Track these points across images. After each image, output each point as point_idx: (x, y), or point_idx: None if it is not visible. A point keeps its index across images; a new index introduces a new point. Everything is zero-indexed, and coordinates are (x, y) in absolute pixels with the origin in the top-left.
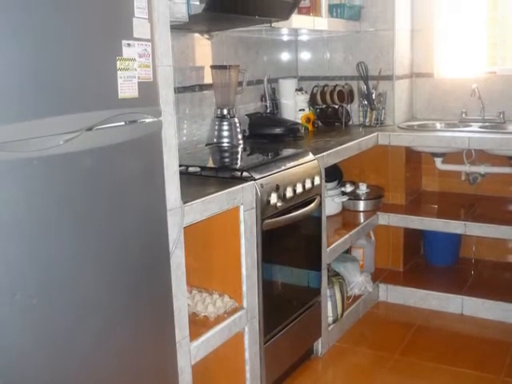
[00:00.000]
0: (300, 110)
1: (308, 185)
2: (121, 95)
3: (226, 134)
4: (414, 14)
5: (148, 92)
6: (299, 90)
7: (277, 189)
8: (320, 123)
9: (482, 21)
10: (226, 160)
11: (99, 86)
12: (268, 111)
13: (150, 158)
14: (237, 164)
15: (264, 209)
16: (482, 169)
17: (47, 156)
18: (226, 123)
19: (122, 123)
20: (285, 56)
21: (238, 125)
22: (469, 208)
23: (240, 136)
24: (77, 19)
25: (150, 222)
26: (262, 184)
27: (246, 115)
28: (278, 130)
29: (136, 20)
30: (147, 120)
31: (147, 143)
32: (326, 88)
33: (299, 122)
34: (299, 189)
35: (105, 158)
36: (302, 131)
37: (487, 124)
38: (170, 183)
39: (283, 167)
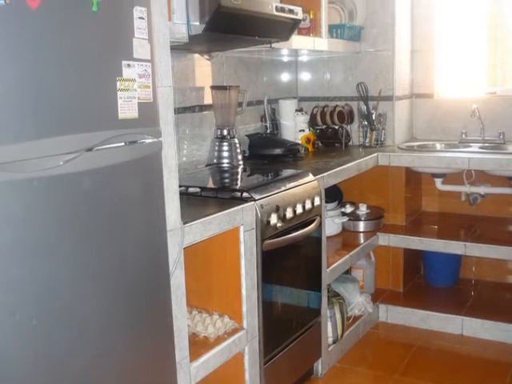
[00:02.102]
0: (300, 131)
1: (308, 205)
2: (121, 116)
3: (226, 154)
4: (413, 35)
5: (148, 112)
6: (299, 110)
7: (277, 209)
8: (320, 144)
9: (482, 41)
10: (226, 181)
11: (99, 107)
12: (268, 132)
13: (150, 178)
14: (237, 185)
15: (264, 229)
16: (482, 189)
17: (47, 176)
18: (226, 144)
19: (122, 144)
20: (285, 76)
21: (237, 145)
22: (469, 228)
23: (240, 157)
24: (77, 39)
25: (150, 242)
26: (261, 205)
27: (246, 136)
28: (278, 151)
29: (136, 40)
30: (147, 141)
31: (147, 164)
32: (325, 109)
33: (299, 142)
34: (299, 209)
35: (105, 179)
36: (302, 152)
37: (487, 144)
38: (170, 204)
39: (283, 188)
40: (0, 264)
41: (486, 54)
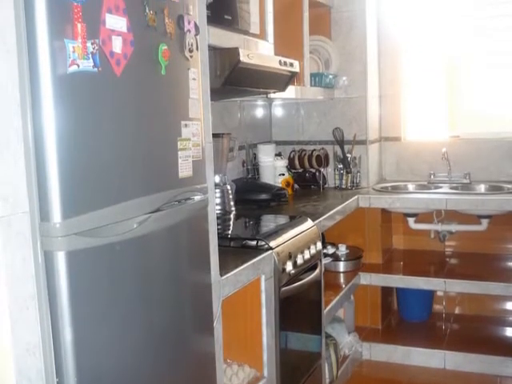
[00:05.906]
0: (280, 175)
1: (312, 250)
2: (180, 175)
3: (218, 201)
4: (381, 81)
5: (198, 170)
6: (278, 154)
7: (289, 256)
8: (297, 187)
9: (442, 87)
10: (238, 228)
11: (164, 167)
12: (250, 176)
13: (199, 233)
14: (249, 233)
15: (280, 277)
16: (453, 227)
17: (125, 240)
18: (218, 191)
19: (179, 202)
20: (260, 121)
21: (230, 191)
22: (443, 264)
23: (232, 203)
24: (148, 102)
25: (199, 297)
26: (278, 252)
27: (232, 181)
28: (264, 196)
29: (191, 101)
30: (196, 197)
31: (197, 220)
32: (303, 153)
33: (282, 186)
34: (306, 255)
35: (168, 238)
36: (287, 196)
37: (455, 185)
38: (212, 257)
39: (293, 235)
40: (94, 329)
41: (446, 99)
